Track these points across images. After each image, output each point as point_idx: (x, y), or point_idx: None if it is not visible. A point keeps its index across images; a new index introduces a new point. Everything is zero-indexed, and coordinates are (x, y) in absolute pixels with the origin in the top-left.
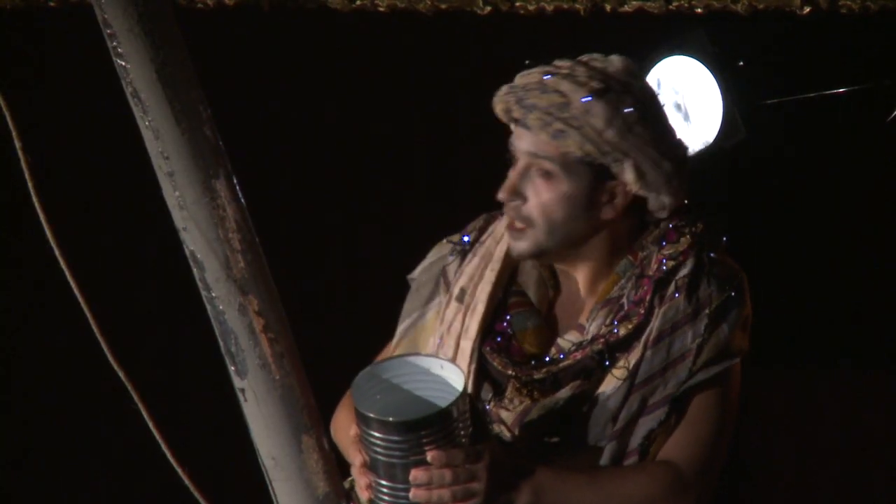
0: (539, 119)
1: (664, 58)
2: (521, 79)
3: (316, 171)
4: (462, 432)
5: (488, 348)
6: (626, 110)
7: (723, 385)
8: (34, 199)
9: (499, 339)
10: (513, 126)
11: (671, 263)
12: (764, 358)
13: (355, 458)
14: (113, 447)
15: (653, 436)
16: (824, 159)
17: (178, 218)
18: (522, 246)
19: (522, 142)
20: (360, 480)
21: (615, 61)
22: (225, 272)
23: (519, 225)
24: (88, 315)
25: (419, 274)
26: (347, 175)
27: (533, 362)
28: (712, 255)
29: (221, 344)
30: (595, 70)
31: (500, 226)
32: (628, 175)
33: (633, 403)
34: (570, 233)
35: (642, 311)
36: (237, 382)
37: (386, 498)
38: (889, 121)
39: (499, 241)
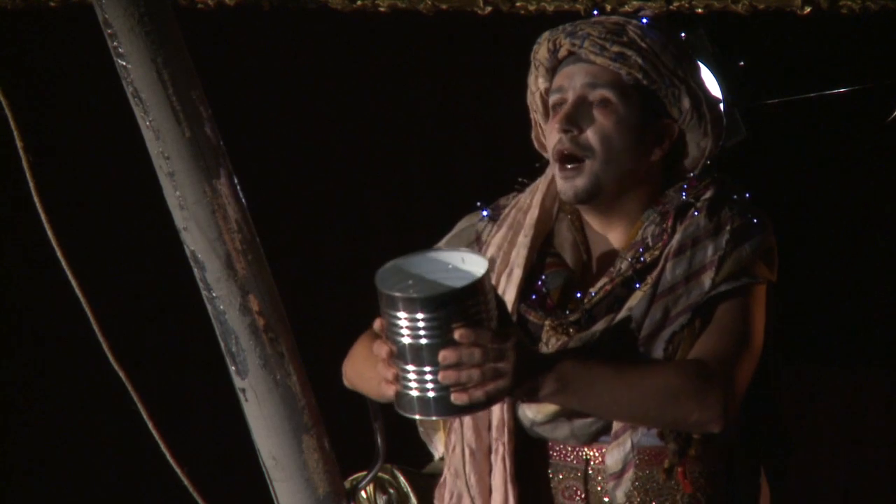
0: (595, 45)
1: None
2: (562, 26)
3: (316, 171)
4: (487, 315)
5: (524, 305)
6: (679, 39)
7: (747, 300)
8: (35, 198)
9: (534, 296)
10: (557, 72)
11: (692, 195)
12: None
13: (381, 350)
14: (113, 447)
15: (676, 340)
16: (824, 159)
17: (179, 218)
18: (580, 183)
19: (575, 77)
20: (387, 373)
21: (646, 11)
22: (226, 272)
23: (571, 163)
24: (89, 314)
25: (447, 241)
26: (348, 174)
27: (567, 312)
28: (735, 196)
29: (222, 344)
30: (634, 11)
31: (523, 197)
32: (684, 103)
33: (656, 312)
34: (623, 167)
35: (665, 237)
36: (238, 382)
37: (413, 384)
38: (889, 121)
39: (525, 210)
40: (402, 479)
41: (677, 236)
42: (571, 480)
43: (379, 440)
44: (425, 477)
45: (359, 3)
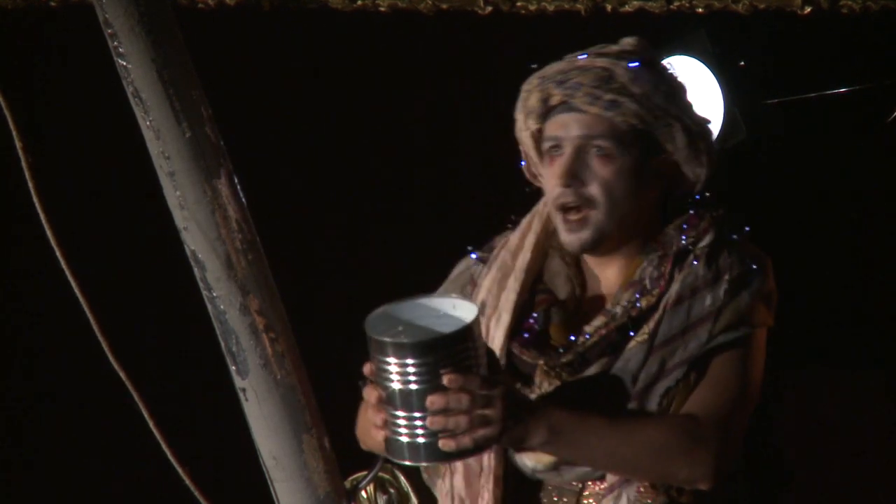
0: (588, 95)
1: (664, 58)
2: (548, 69)
3: (316, 171)
4: (475, 361)
5: (517, 344)
6: (667, 73)
7: (744, 351)
8: (34, 198)
9: (526, 335)
10: (549, 118)
11: (691, 238)
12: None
13: (371, 396)
14: (113, 447)
15: (671, 394)
16: (824, 159)
17: (179, 217)
18: (585, 235)
19: (570, 128)
20: (376, 419)
21: (630, 40)
22: (226, 272)
23: (576, 216)
24: (89, 314)
25: (445, 287)
26: (348, 174)
27: (561, 350)
28: (734, 236)
29: (222, 343)
30: (619, 48)
31: (512, 238)
32: (679, 139)
33: (652, 365)
34: (626, 212)
35: (663, 283)
36: (238, 382)
37: (402, 430)
38: (889, 121)
39: (514, 252)
40: (402, 478)
41: (675, 286)
42: (565, 501)
43: None
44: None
45: (359, 2)
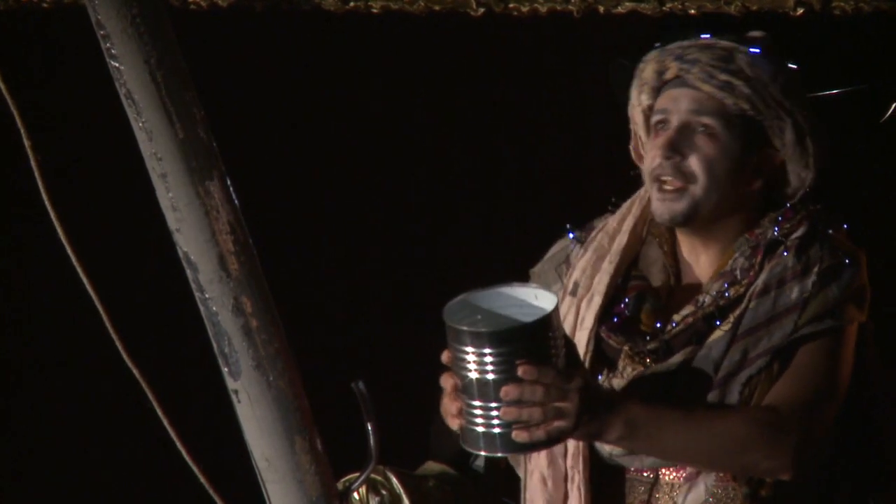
0: (703, 72)
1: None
2: (670, 45)
3: (309, 172)
4: (554, 352)
5: (605, 328)
6: (789, 69)
7: (830, 344)
8: (45, 198)
9: (616, 319)
10: (662, 93)
11: (784, 230)
12: None
13: (447, 384)
14: (115, 446)
15: (753, 383)
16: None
17: (172, 219)
18: (679, 206)
19: (680, 102)
20: (451, 407)
21: (756, 32)
22: (218, 273)
23: (674, 185)
24: (102, 311)
25: (541, 265)
26: (340, 176)
27: (647, 337)
28: (829, 231)
29: (215, 345)
30: (744, 35)
31: (611, 221)
32: (788, 135)
33: (734, 354)
34: (723, 194)
35: (752, 274)
36: (230, 384)
37: (478, 420)
38: (881, 122)
39: (612, 235)
40: (394, 480)
41: (763, 275)
42: (647, 494)
43: (372, 441)
44: (418, 478)
45: (351, 4)
